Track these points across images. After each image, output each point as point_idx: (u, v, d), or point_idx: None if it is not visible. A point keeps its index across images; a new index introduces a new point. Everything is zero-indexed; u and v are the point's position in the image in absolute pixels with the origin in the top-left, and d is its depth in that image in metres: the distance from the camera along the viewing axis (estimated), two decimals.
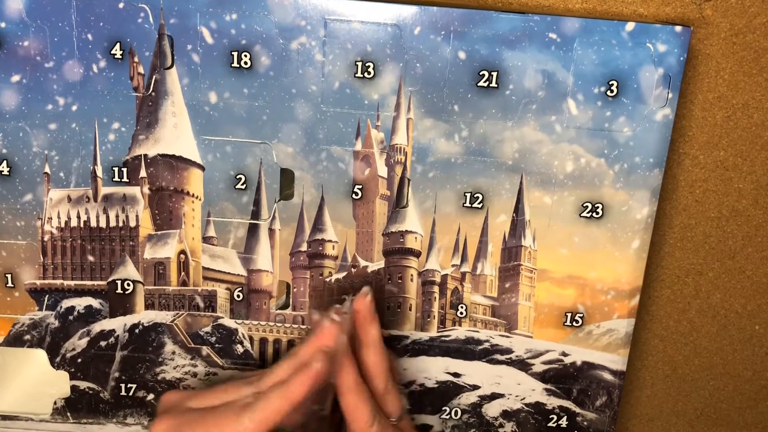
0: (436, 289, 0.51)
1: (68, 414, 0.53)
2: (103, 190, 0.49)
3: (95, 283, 0.51)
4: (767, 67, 0.49)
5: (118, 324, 0.52)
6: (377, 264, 0.51)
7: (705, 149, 0.51)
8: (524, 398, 0.53)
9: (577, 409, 0.53)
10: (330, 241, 0.50)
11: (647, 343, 0.56)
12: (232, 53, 0.46)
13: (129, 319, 0.52)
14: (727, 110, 0.50)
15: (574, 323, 0.51)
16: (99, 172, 0.48)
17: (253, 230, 0.50)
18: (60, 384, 0.53)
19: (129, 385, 0.53)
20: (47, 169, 0.48)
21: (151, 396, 0.53)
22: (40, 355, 0.52)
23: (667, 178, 0.51)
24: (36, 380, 0.53)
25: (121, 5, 0.45)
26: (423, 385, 0.53)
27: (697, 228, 0.53)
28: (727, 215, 0.53)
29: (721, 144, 0.51)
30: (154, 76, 0.46)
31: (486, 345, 0.52)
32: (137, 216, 0.49)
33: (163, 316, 0.51)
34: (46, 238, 0.50)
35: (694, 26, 0.48)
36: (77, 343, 0.52)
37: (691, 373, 0.58)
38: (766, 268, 0.54)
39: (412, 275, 0.51)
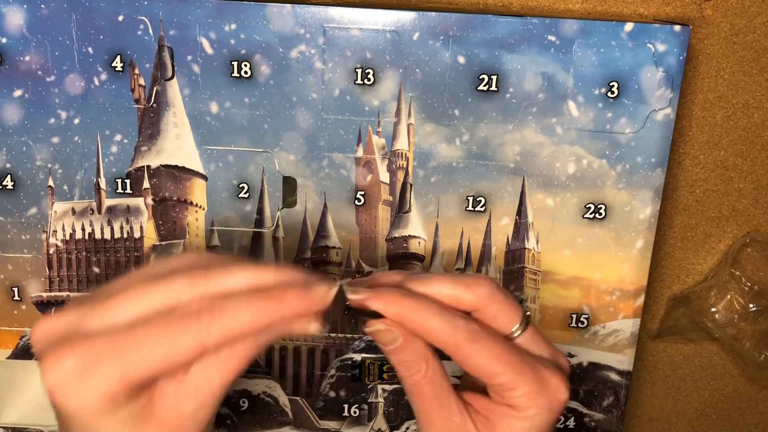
0: None
1: None
2: (107, 202, 0.49)
3: None
4: (767, 67, 0.49)
5: None
6: (381, 269, 0.51)
7: (705, 149, 0.51)
8: None
9: (585, 410, 0.53)
10: (334, 247, 0.50)
11: (647, 343, 0.56)
12: (232, 63, 0.46)
13: None
14: (727, 110, 0.50)
15: (580, 324, 0.51)
16: (102, 184, 0.49)
17: (256, 238, 0.50)
18: None
19: None
20: (51, 183, 0.48)
21: None
22: None
23: (668, 177, 0.51)
24: (44, 392, 0.53)
25: (120, 18, 0.45)
26: None
27: (698, 228, 0.53)
28: (728, 215, 0.53)
29: (722, 144, 0.51)
30: (155, 88, 0.47)
31: None
32: (141, 227, 0.50)
33: None
34: (52, 250, 0.50)
35: (693, 25, 0.48)
36: None
37: (691, 373, 0.58)
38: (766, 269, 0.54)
39: None
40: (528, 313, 0.31)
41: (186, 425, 0.28)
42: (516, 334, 0.32)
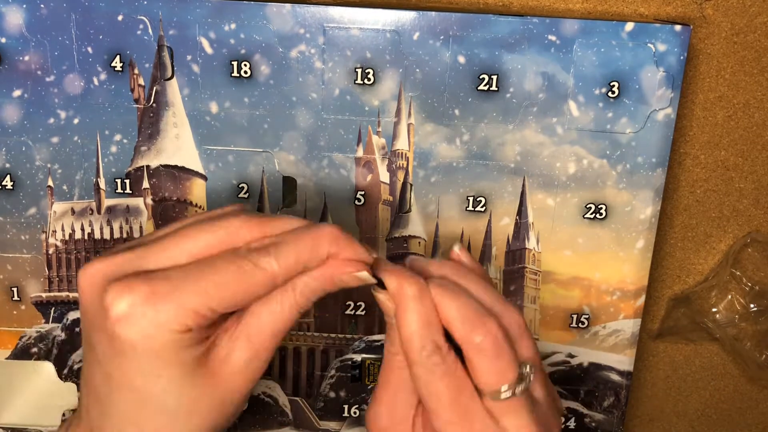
0: None
1: None
2: (107, 202, 0.49)
3: None
4: None
5: None
6: None
7: (706, 149, 0.51)
8: None
9: (585, 410, 0.53)
10: None
11: (648, 343, 0.56)
12: (232, 63, 0.46)
13: None
14: (728, 110, 0.50)
15: (580, 325, 0.51)
16: (102, 184, 0.49)
17: None
18: (68, 396, 0.53)
19: None
20: (50, 183, 0.48)
21: None
22: (48, 368, 0.52)
23: (668, 177, 0.51)
24: (44, 392, 0.53)
25: (120, 18, 0.45)
26: None
27: (698, 228, 0.53)
28: (728, 215, 0.53)
29: (722, 144, 0.51)
30: (154, 88, 0.46)
31: None
32: (141, 227, 0.49)
33: None
34: (51, 250, 0.50)
35: (694, 25, 0.48)
36: None
37: (691, 373, 0.57)
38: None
39: None
40: (527, 371, 0.29)
41: (236, 380, 0.28)
42: (504, 396, 0.29)
